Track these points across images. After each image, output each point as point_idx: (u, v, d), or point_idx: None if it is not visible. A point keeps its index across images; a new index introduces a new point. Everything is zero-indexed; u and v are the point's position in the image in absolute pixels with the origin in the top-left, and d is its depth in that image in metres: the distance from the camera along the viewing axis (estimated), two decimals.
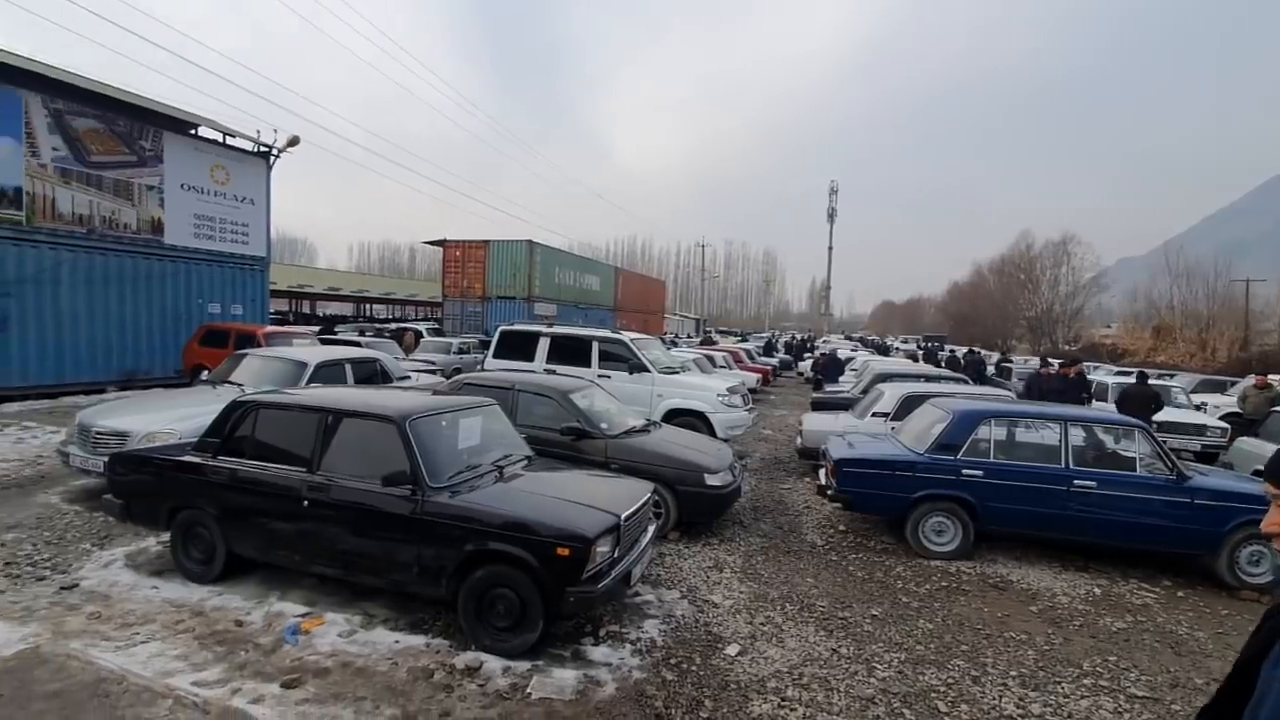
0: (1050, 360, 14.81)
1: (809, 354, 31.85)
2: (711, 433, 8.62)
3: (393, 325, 29.66)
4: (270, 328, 14.26)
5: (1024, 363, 24.27)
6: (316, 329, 18.54)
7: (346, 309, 50.96)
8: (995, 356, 28.45)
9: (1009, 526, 5.84)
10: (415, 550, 3.94)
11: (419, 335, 20.51)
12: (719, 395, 9.17)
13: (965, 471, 5.81)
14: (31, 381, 11.76)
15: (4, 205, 11.43)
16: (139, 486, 4.84)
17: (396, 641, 3.83)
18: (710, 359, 15.50)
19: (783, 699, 3.50)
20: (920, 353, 30.84)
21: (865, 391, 10.48)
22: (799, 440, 8.90)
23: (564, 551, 3.66)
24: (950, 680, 3.78)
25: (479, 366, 11.52)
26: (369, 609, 4.25)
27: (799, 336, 50.24)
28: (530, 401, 6.36)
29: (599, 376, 8.96)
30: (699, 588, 4.98)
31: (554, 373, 8.65)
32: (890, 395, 8.80)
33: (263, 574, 4.60)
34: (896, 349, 40.51)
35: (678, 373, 9.70)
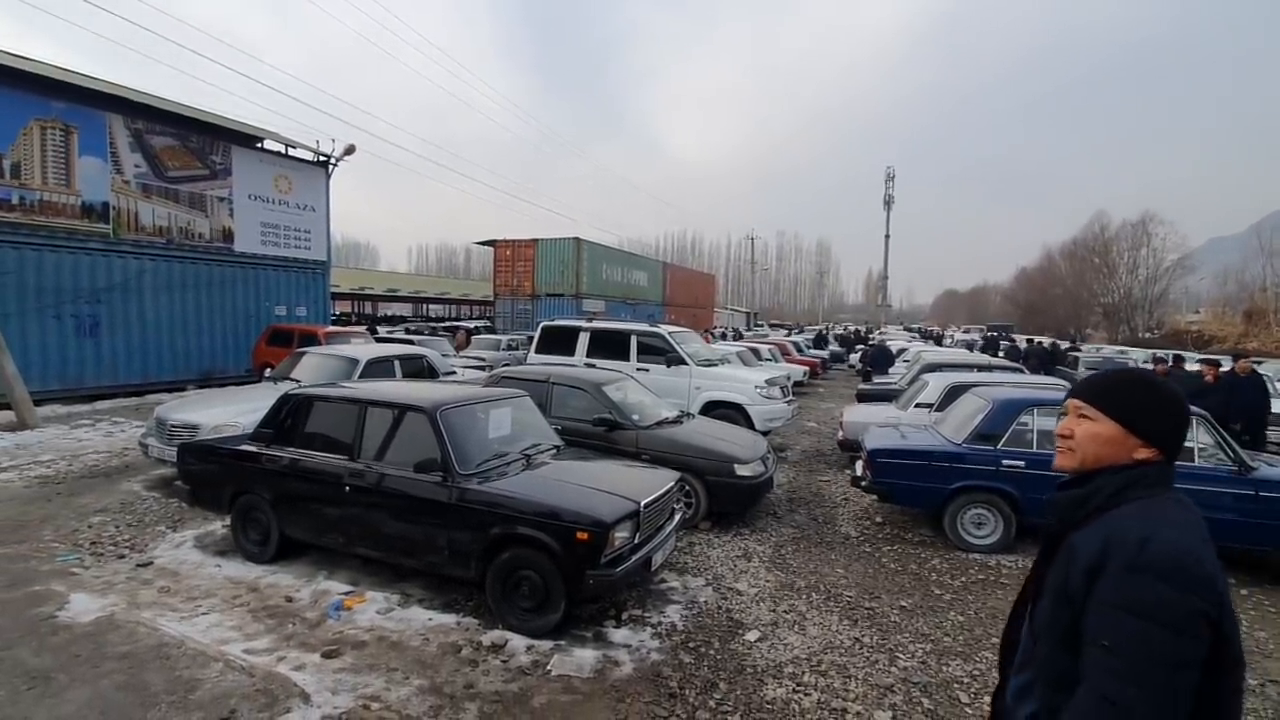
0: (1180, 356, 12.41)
1: (861, 346, 31.09)
2: (750, 425, 8.60)
3: (446, 324, 30.64)
4: (330, 328, 15.06)
5: (1094, 351, 22.97)
6: (364, 328, 19.37)
7: (405, 309, 52.91)
8: (1064, 346, 26.99)
9: None
10: (446, 534, 4.15)
11: (470, 333, 21.15)
12: (757, 388, 9.12)
13: (1006, 462, 5.62)
14: (121, 381, 12.81)
15: (93, 219, 12.48)
16: (204, 474, 5.26)
17: (430, 619, 4.05)
18: (755, 352, 15.38)
19: (798, 684, 3.52)
20: (980, 343, 29.59)
21: (911, 382, 10.20)
22: (840, 433, 8.77)
23: (583, 536, 3.79)
24: (975, 672, 3.71)
25: (525, 362, 11.83)
26: (407, 589, 4.50)
27: (852, 328, 49.04)
28: (564, 394, 6.53)
29: (637, 370, 9.07)
30: (725, 576, 5.02)
31: (593, 366, 8.82)
32: (935, 385, 8.55)
33: (313, 555, 4.93)
34: (953, 339, 38.97)
35: (716, 365, 9.70)
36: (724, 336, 28.01)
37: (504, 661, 3.61)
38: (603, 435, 6.14)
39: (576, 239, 27.14)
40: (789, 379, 10.71)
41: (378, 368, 8.17)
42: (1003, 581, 5.09)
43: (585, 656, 3.67)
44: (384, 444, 4.48)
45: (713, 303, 50.27)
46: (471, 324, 27.08)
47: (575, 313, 24.59)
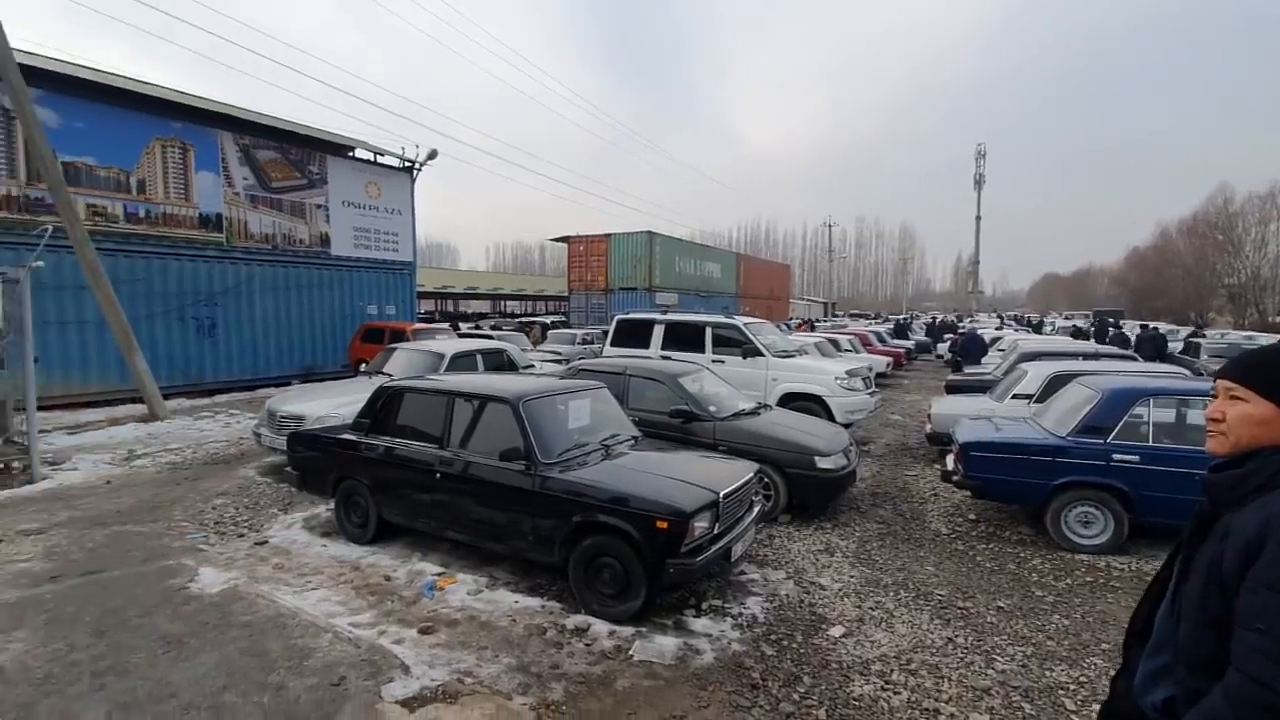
0: None
1: (951, 335, 29.51)
2: (830, 417, 8.36)
3: (522, 319, 31.53)
4: (417, 325, 15.85)
5: (1219, 337, 20.81)
6: (447, 325, 20.20)
7: (484, 306, 54.89)
8: (1184, 331, 24.59)
9: (1172, 519, 5.13)
10: (530, 520, 4.28)
11: (546, 328, 21.66)
12: (837, 379, 8.85)
13: (1117, 457, 5.19)
14: (235, 376, 14.01)
15: (209, 229, 13.67)
16: (310, 461, 5.66)
17: (516, 602, 4.20)
18: (834, 343, 14.93)
19: (886, 682, 3.40)
20: (1091, 329, 27.38)
21: (1008, 372, 9.59)
22: (928, 425, 8.37)
23: (663, 525, 3.81)
24: (1084, 679, 3.46)
25: (600, 355, 12.03)
26: (494, 573, 4.68)
27: (940, 317, 46.64)
28: (641, 385, 6.57)
29: (712, 361, 9.01)
30: (807, 569, 4.91)
31: (668, 358, 8.83)
32: (1034, 375, 8.00)
33: (408, 538, 5.21)
34: (1054, 326, 36.29)
35: (794, 357, 9.49)
36: (797, 328, 27.35)
37: (587, 645, 3.69)
38: (679, 427, 6.14)
39: (649, 233, 27.25)
40: (870, 370, 10.32)
41: (462, 361, 8.54)
42: (1114, 585, 4.71)
43: (666, 644, 3.70)
44: (470, 433, 4.67)
45: (788, 293, 49.22)
46: (547, 319, 27.73)
47: (648, 306, 24.71)
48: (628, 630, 3.84)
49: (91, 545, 5.09)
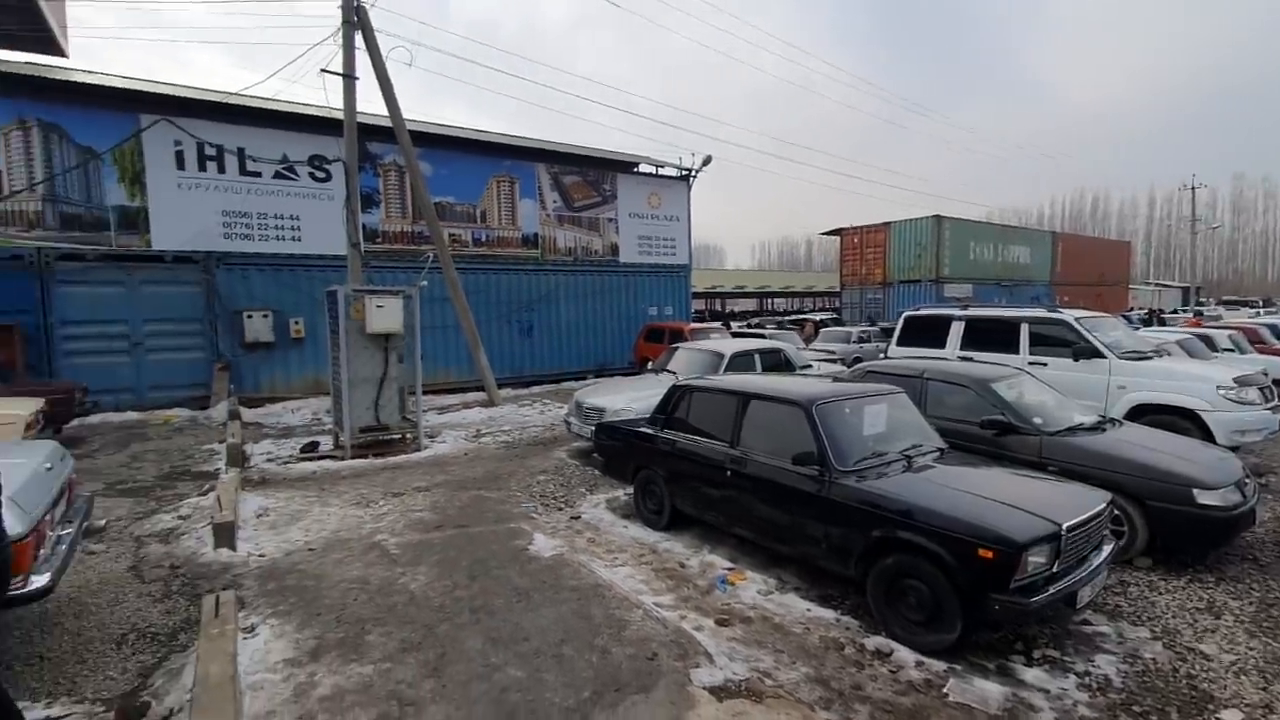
0: None
1: None
2: (1209, 438, 6.50)
3: (791, 317, 31.08)
4: (693, 324, 16.72)
5: None
6: (719, 324, 20.79)
7: (750, 304, 55.57)
8: None
9: None
10: (823, 528, 4.14)
11: (818, 325, 21.01)
12: (1220, 388, 6.82)
13: None
14: (545, 370, 16.50)
15: (528, 247, 16.30)
16: (613, 450, 6.32)
17: (809, 610, 4.09)
18: (1206, 340, 11.62)
19: None
20: None
21: None
22: None
23: (986, 554, 3.34)
24: None
25: (880, 355, 11.19)
26: (783, 575, 4.64)
27: None
28: (942, 390, 5.91)
29: (1030, 364, 7.68)
30: (1180, 631, 3.86)
31: (970, 360, 7.79)
32: None
33: (698, 529, 5.47)
34: None
35: (1150, 358, 7.57)
36: (1142, 321, 21.85)
37: (892, 672, 3.41)
38: (992, 440, 5.35)
39: (936, 217, 24.59)
40: (1267, 376, 7.74)
41: (740, 361, 8.72)
42: None
43: (989, 690, 3.23)
44: (761, 434, 4.70)
45: (1126, 277, 39.82)
46: (818, 316, 26.90)
47: (934, 299, 22.33)
48: (939, 665, 3.46)
49: (460, 504, 6.41)
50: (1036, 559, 3.35)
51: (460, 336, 13.14)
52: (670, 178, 18.99)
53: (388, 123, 11.58)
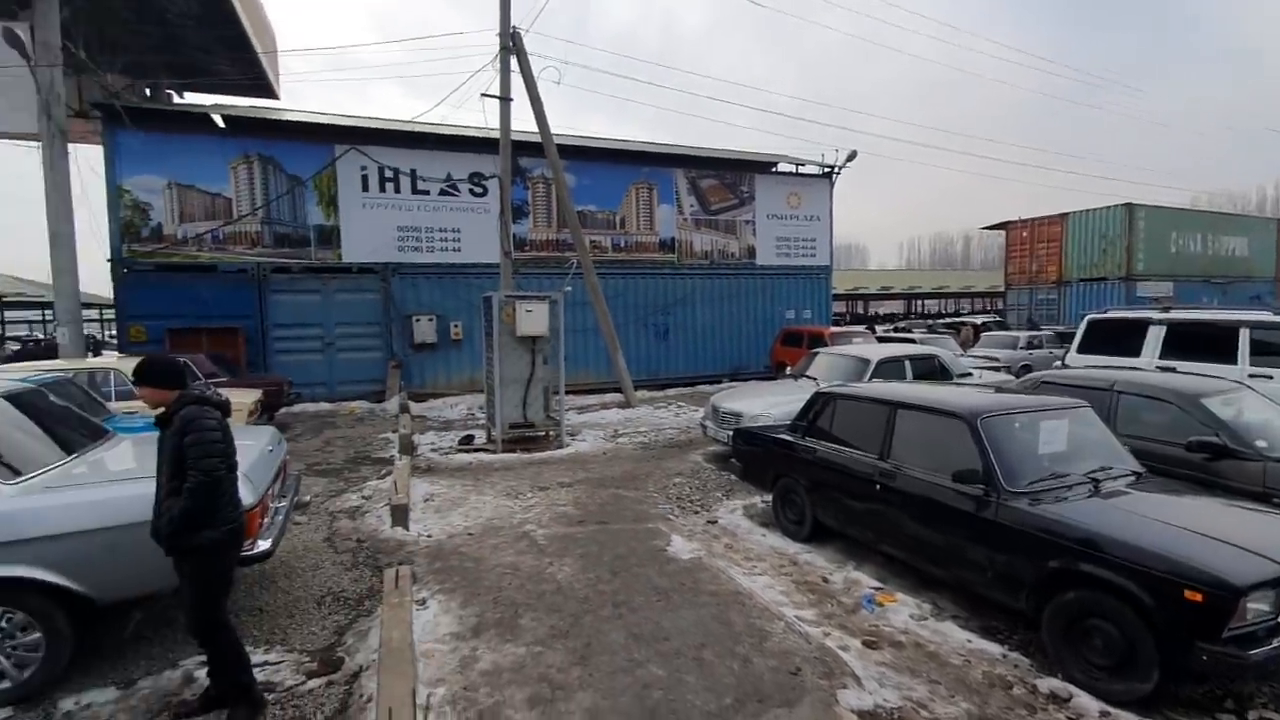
0: None
1: None
2: None
3: (946, 320, 28.71)
4: (834, 328, 16.02)
5: None
6: (863, 328, 19.71)
7: (896, 306, 52.16)
8: None
9: None
10: (987, 553, 3.78)
11: (978, 329, 19.24)
12: None
13: None
14: (680, 373, 16.64)
15: (665, 251, 16.55)
16: (752, 456, 6.23)
17: (969, 641, 3.76)
18: None
19: None
20: None
21: None
22: None
23: (1195, 596, 2.87)
24: None
25: (1056, 363, 9.98)
26: (937, 600, 4.30)
27: None
28: (1136, 406, 5.16)
29: (1250, 377, 6.48)
30: None
31: (1172, 370, 6.73)
32: None
33: (841, 543, 5.24)
34: None
35: None
36: None
37: (1070, 719, 3.04)
38: (1201, 465, 4.59)
39: (1127, 205, 21.55)
40: None
41: (889, 368, 8.21)
42: None
43: None
44: (917, 447, 4.40)
45: None
46: (978, 319, 24.60)
47: (1122, 300, 19.62)
48: (1129, 717, 3.03)
49: (600, 501, 6.66)
50: (1259, 605, 2.83)
51: (599, 339, 13.66)
52: (811, 176, 18.37)
53: (536, 138, 12.34)
